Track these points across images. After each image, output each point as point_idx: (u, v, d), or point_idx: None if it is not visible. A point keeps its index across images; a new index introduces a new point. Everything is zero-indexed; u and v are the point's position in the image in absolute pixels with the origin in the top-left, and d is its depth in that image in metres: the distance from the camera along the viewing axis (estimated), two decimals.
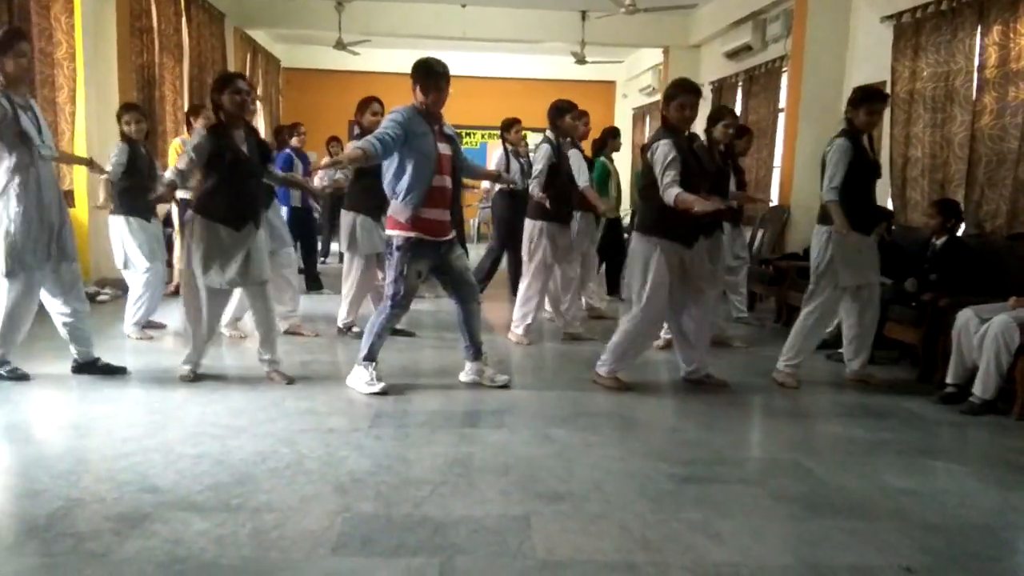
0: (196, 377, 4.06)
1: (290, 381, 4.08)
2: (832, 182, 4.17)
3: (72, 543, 2.30)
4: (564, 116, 5.20)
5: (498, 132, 7.05)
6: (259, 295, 4.07)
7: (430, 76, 3.78)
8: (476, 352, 4.18)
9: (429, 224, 3.84)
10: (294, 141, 7.25)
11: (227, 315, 5.10)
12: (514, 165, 6.60)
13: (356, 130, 5.21)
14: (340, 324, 5.33)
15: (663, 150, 3.88)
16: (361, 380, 3.97)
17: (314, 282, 7.36)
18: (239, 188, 3.89)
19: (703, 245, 4.16)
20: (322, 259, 9.43)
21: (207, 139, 3.84)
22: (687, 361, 4.32)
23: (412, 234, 3.82)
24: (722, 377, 4.34)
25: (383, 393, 3.91)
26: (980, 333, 3.92)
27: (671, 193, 3.79)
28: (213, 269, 3.90)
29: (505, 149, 6.72)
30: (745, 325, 6.14)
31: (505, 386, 4.11)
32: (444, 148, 3.89)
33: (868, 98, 4.23)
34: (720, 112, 5.18)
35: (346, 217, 5.13)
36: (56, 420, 3.53)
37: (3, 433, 3.28)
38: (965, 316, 4.05)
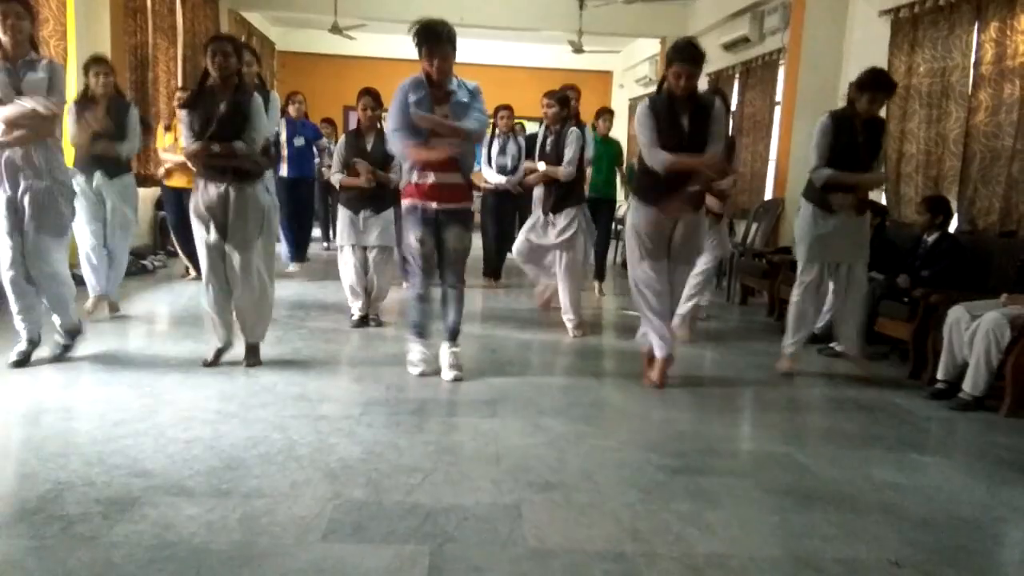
0: (215, 359, 4.05)
1: (251, 364, 4.07)
2: (816, 163, 4.29)
3: (61, 526, 2.29)
4: (541, 102, 5.30)
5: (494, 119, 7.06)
6: (240, 264, 3.97)
7: (419, 45, 3.79)
8: (448, 335, 4.16)
9: (421, 188, 3.93)
10: (291, 110, 7.16)
11: None
12: (511, 150, 6.73)
13: (344, 136, 5.31)
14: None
15: (638, 114, 4.00)
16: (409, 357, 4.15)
17: (300, 252, 7.31)
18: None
19: (688, 219, 4.03)
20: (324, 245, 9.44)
21: (186, 99, 3.99)
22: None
23: (407, 201, 3.99)
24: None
25: (421, 375, 4.02)
26: (971, 330, 3.94)
27: (657, 156, 3.87)
28: (199, 226, 3.93)
29: (493, 135, 6.79)
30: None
31: (458, 380, 4.02)
32: (444, 111, 3.84)
33: (873, 86, 4.17)
34: None
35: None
36: (46, 403, 3.50)
37: None
38: (956, 312, 4.07)
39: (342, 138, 5.34)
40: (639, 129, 3.98)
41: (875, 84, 4.18)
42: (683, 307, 5.00)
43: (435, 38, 3.75)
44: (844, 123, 4.25)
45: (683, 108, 3.90)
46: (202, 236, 3.95)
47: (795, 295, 4.50)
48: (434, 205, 3.95)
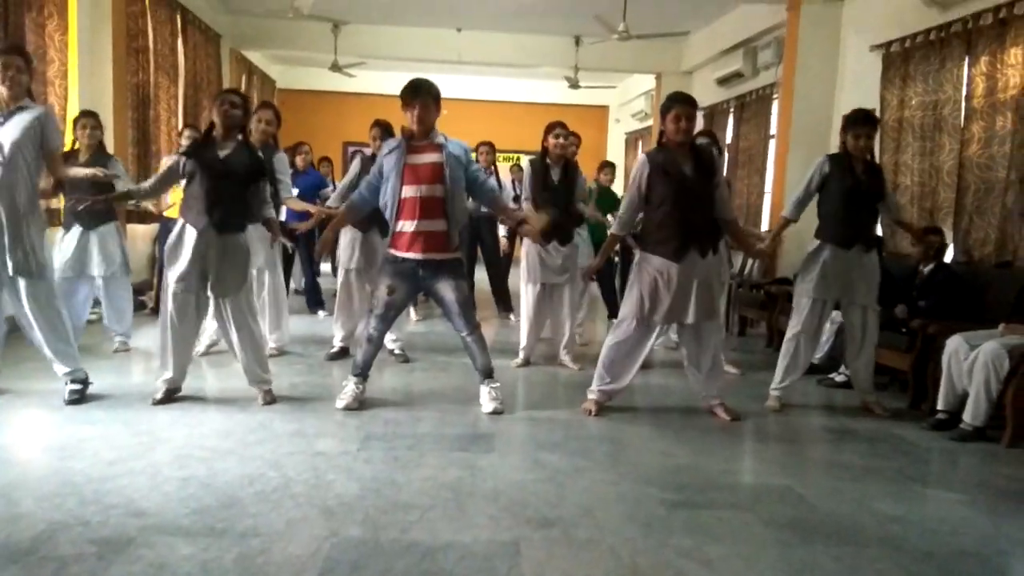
0: (168, 398, 3.98)
1: (268, 402, 4.05)
2: (791, 196, 4.49)
3: (55, 567, 2.26)
4: (546, 136, 5.23)
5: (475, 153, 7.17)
6: (228, 309, 4.00)
7: (402, 100, 3.91)
8: (481, 376, 4.18)
9: (400, 238, 3.98)
10: (298, 161, 7.24)
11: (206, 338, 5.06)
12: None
13: (358, 157, 5.25)
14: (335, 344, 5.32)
15: (632, 174, 4.07)
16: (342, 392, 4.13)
17: (316, 299, 7.27)
18: (209, 193, 3.87)
19: (703, 266, 3.99)
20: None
21: (187, 147, 4.00)
22: (696, 390, 4.30)
23: (388, 251, 4.04)
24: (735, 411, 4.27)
25: (344, 408, 4.00)
26: (970, 360, 3.93)
27: (613, 227, 4.20)
28: (176, 269, 3.91)
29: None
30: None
31: (497, 412, 4.06)
32: (418, 158, 3.92)
33: (853, 122, 4.29)
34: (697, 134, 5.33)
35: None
36: (41, 441, 3.48)
37: None
38: (955, 343, 4.07)
39: (355, 163, 5.17)
40: (632, 181, 4.03)
41: (855, 119, 4.29)
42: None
43: (414, 90, 3.88)
44: (842, 163, 4.30)
45: (685, 158, 3.96)
46: (178, 280, 3.92)
47: (791, 336, 4.41)
48: (416, 256, 3.95)
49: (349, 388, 4.09)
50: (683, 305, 4.00)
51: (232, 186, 3.95)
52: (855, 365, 4.48)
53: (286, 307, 5.48)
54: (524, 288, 5.33)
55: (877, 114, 6.24)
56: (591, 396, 4.19)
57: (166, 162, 4.03)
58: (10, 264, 3.78)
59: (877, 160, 6.16)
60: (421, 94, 3.88)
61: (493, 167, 7.10)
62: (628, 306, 4.10)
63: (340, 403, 4.03)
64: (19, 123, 3.76)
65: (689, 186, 3.93)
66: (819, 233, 4.42)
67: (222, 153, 3.93)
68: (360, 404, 4.06)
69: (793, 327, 4.44)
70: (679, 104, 3.91)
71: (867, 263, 4.36)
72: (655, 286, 4.00)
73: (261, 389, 4.10)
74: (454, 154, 3.96)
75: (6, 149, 3.72)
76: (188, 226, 3.93)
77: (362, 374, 4.13)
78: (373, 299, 4.16)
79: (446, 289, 4.04)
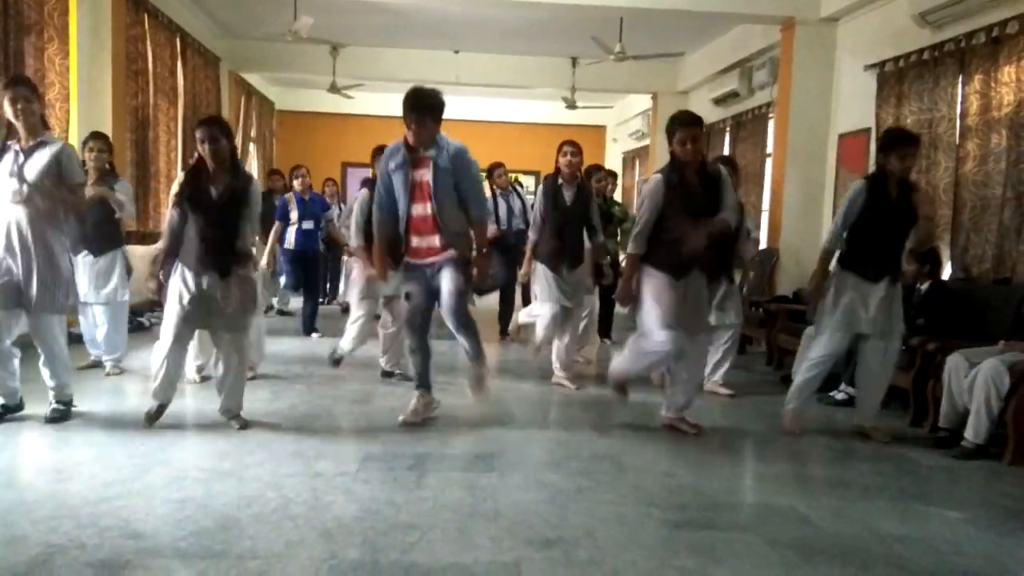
0: (157, 415, 3.91)
1: (243, 426, 3.97)
2: (833, 228, 4.18)
3: None
4: (557, 156, 5.21)
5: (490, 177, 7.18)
6: (222, 342, 3.95)
7: (404, 111, 3.88)
8: (469, 356, 4.19)
9: (411, 249, 4.05)
10: (296, 184, 7.23)
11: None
12: (502, 207, 6.83)
13: (364, 190, 5.23)
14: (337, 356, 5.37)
15: (646, 189, 4.07)
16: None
17: (312, 323, 7.23)
18: (198, 233, 3.79)
19: (700, 283, 4.07)
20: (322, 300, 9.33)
21: (181, 180, 3.96)
22: (666, 404, 4.26)
23: (405, 259, 4.09)
24: (705, 423, 4.26)
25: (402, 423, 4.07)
26: (970, 377, 3.93)
27: (629, 247, 4.09)
28: (174, 307, 3.84)
29: (493, 192, 6.84)
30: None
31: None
32: (422, 175, 3.92)
33: (898, 142, 4.01)
34: None
35: None
36: (38, 464, 3.46)
37: None
38: (955, 360, 4.06)
39: (362, 197, 5.11)
40: (648, 200, 3.99)
41: (904, 140, 4.03)
42: (717, 374, 5.24)
43: (411, 105, 3.86)
44: (878, 188, 4.01)
45: (695, 178, 3.96)
46: (176, 318, 3.85)
47: (817, 362, 4.19)
48: (422, 261, 4.03)
49: (412, 403, 4.15)
50: (686, 315, 4.00)
51: (219, 225, 3.81)
52: (864, 394, 4.31)
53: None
54: (541, 308, 5.25)
55: (873, 132, 6.29)
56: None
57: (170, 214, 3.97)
58: (33, 299, 3.79)
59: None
60: (419, 111, 3.85)
61: (511, 187, 7.11)
62: (650, 319, 3.98)
63: (400, 418, 4.07)
64: (39, 160, 3.77)
65: (700, 206, 3.93)
66: (846, 261, 4.14)
67: (215, 191, 3.80)
68: (424, 421, 4.10)
69: (816, 358, 4.20)
70: (682, 127, 3.90)
71: (891, 295, 4.09)
72: (668, 293, 3.95)
73: (230, 416, 4.01)
74: (443, 167, 3.90)
75: (26, 186, 3.74)
76: (186, 269, 3.83)
77: (423, 384, 4.16)
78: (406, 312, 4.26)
79: (443, 280, 3.99)
